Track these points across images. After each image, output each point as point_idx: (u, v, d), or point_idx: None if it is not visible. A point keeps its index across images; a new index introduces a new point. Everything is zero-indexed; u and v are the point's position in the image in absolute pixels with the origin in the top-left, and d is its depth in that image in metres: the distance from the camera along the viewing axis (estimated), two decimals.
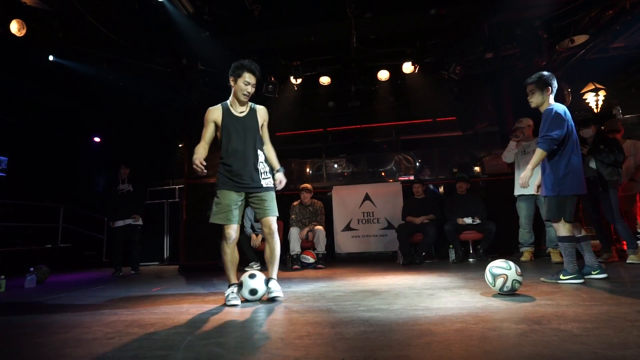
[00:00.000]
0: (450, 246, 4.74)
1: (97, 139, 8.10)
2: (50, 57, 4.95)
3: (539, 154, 2.74)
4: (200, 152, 2.57)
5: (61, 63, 5.08)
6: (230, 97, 2.72)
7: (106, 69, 5.32)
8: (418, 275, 3.61)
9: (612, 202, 3.61)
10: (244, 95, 2.63)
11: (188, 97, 5.56)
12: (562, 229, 2.74)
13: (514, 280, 2.32)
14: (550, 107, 2.79)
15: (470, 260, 4.72)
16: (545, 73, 2.86)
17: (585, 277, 2.83)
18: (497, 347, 1.41)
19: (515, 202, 4.51)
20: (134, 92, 6.12)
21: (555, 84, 2.84)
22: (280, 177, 2.74)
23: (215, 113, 2.66)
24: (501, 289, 2.33)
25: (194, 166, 2.46)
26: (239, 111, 2.69)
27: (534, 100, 2.88)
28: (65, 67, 5.14)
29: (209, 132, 2.66)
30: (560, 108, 2.77)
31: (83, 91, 6.28)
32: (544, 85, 2.81)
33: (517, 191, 4.44)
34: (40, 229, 7.13)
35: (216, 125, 2.66)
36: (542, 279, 2.87)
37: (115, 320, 2.21)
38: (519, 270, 2.35)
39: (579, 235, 2.88)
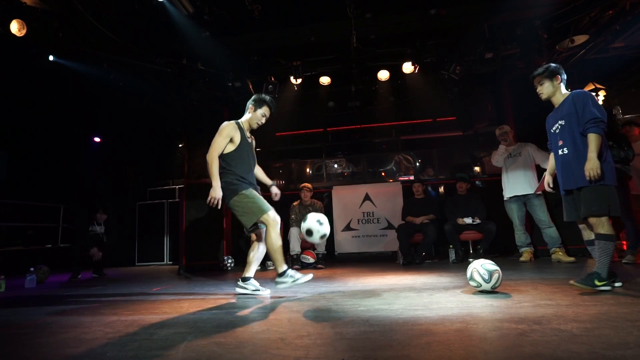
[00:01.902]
0: (450, 246, 4.74)
1: (97, 139, 8.09)
2: (51, 57, 4.95)
3: (595, 138, 2.39)
4: (218, 177, 2.78)
5: (61, 63, 5.08)
6: (244, 120, 2.97)
7: (106, 69, 5.32)
8: (418, 275, 3.61)
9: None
10: (257, 124, 2.95)
11: (188, 97, 5.56)
12: (606, 225, 2.42)
13: (481, 264, 2.48)
14: (579, 91, 2.61)
15: (470, 260, 4.70)
16: (552, 64, 2.73)
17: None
18: (497, 347, 1.41)
19: (505, 205, 4.56)
20: (134, 92, 6.12)
21: (564, 74, 2.70)
22: (276, 190, 3.12)
23: (235, 132, 2.84)
24: (483, 278, 2.44)
25: (213, 200, 2.74)
26: (248, 135, 2.96)
27: (545, 90, 2.71)
28: (65, 67, 5.14)
29: (224, 145, 2.80)
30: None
31: (83, 91, 6.27)
32: (551, 74, 2.68)
33: (508, 193, 4.50)
34: (40, 229, 7.13)
35: (231, 141, 2.82)
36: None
37: (115, 320, 2.21)
38: (482, 259, 2.54)
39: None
